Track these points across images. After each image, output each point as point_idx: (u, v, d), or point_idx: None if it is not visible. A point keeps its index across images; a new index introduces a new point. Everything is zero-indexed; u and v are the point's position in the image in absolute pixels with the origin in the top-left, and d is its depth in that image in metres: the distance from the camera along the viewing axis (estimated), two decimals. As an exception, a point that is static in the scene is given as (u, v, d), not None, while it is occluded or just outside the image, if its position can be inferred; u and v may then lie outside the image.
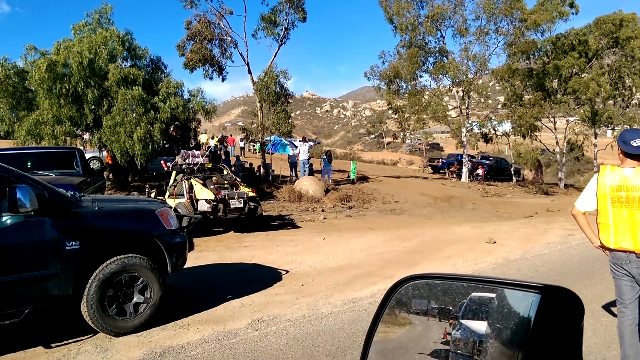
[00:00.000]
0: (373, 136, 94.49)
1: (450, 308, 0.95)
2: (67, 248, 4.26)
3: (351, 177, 23.28)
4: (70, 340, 4.48)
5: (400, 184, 23.68)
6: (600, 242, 3.60)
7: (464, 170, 27.86)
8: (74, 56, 14.46)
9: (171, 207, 5.93)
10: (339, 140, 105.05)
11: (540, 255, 8.63)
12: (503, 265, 7.84)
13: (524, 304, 0.87)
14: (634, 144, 3.40)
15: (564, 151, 30.68)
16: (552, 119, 30.64)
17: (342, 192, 18.82)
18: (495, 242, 9.81)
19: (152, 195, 12.68)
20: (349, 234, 11.42)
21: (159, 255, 5.04)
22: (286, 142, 22.31)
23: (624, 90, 29.83)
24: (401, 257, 8.68)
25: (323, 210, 15.73)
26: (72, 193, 4.95)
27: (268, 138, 21.50)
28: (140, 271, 4.78)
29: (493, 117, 29.21)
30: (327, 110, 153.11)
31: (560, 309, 0.84)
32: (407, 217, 15.54)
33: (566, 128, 31.02)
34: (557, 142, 30.91)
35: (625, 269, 3.49)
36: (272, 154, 23.15)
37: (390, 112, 33.06)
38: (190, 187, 11.43)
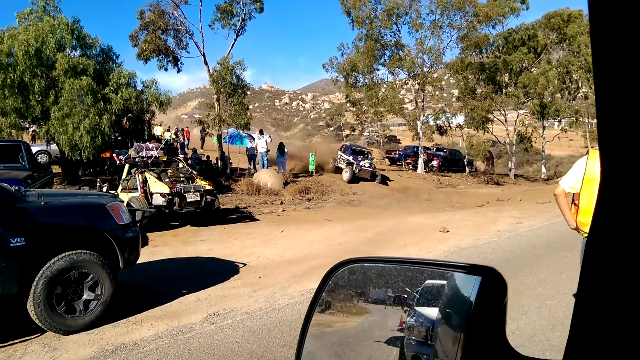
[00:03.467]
0: (332, 129, 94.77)
1: (406, 296, 0.99)
2: (11, 245, 4.09)
3: (310, 169, 23.32)
4: (16, 340, 4.31)
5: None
6: (577, 226, 3.68)
7: (420, 161, 28.47)
8: (19, 45, 13.75)
9: (123, 202, 5.78)
10: (298, 132, 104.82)
11: (490, 243, 8.98)
12: (455, 253, 8.10)
13: (468, 287, 0.91)
14: None
15: (514, 143, 31.85)
16: (503, 112, 31.72)
17: (301, 185, 18.84)
18: (448, 231, 10.11)
19: (104, 189, 12.29)
20: (307, 226, 11.48)
21: (111, 251, 4.92)
22: (244, 134, 22.10)
23: (570, 84, 31.25)
24: (358, 247, 8.81)
25: (282, 203, 15.72)
26: (17, 188, 4.75)
27: (225, 130, 21.21)
28: (90, 267, 4.65)
29: (447, 110, 29.94)
30: (286, 103, 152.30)
31: (489, 287, 0.88)
32: (365, 208, 15.75)
33: (516, 120, 32.21)
34: (507, 134, 32.05)
35: None
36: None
37: (348, 104, 33.26)
38: (145, 181, 11.15)
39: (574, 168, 3.73)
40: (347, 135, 77.80)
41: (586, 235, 3.65)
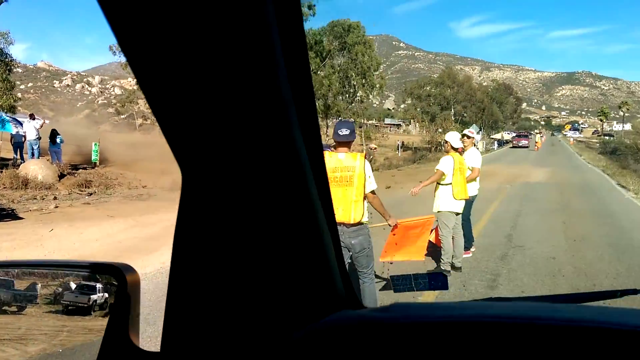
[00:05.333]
0: (123, 117, 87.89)
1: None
2: None
3: (93, 161, 21.28)
4: None
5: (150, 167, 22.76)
6: None
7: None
8: None
9: None
10: (83, 119, 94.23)
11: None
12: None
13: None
14: (341, 133, 4.11)
15: (302, 139, 34.54)
16: (293, 111, 34.09)
17: (81, 177, 17.07)
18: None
19: None
20: (83, 224, 10.45)
21: None
22: (7, 118, 18.97)
23: (349, 88, 35.25)
24: (140, 244, 8.43)
25: (55, 198, 13.97)
26: None
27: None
28: None
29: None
30: (68, 85, 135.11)
31: (113, 284, 0.85)
32: (155, 202, 15.04)
33: (304, 119, 34.94)
34: (297, 131, 34.52)
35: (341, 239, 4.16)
36: None
37: (140, 92, 31.39)
38: None
39: None
40: (140, 125, 73.22)
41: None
